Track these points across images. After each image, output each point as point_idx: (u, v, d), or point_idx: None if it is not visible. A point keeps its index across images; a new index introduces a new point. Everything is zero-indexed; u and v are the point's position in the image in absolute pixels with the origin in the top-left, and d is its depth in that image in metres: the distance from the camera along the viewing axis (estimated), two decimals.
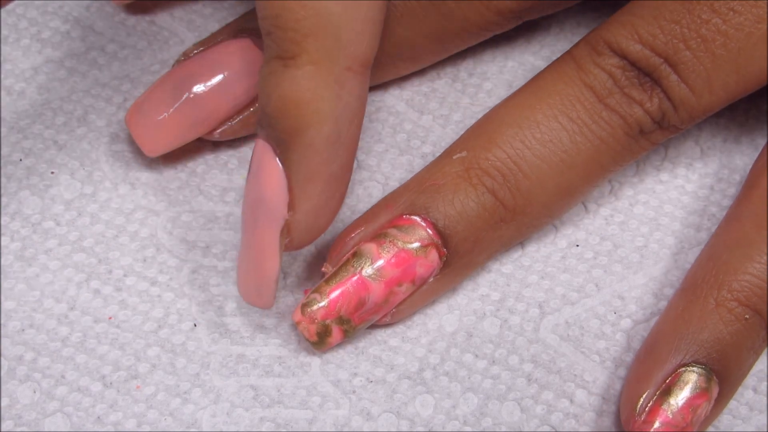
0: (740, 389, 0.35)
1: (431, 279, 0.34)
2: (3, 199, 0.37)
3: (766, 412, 0.35)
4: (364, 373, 0.34)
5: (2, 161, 0.37)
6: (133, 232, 0.37)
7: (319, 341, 0.34)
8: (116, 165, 0.38)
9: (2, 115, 0.38)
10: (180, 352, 0.35)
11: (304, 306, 0.33)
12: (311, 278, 0.36)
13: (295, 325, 0.35)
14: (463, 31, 0.37)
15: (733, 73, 0.34)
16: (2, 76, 0.39)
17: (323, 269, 0.34)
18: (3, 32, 0.40)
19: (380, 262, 0.33)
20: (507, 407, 0.34)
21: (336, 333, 0.34)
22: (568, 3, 0.38)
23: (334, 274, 0.34)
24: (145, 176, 0.38)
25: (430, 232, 0.34)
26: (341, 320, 0.33)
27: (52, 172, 0.37)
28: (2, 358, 0.34)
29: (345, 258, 0.34)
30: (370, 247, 0.34)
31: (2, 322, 0.35)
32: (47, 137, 0.38)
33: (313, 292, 0.34)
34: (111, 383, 0.34)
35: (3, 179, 0.37)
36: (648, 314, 0.36)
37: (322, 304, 0.33)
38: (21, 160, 0.38)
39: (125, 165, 0.38)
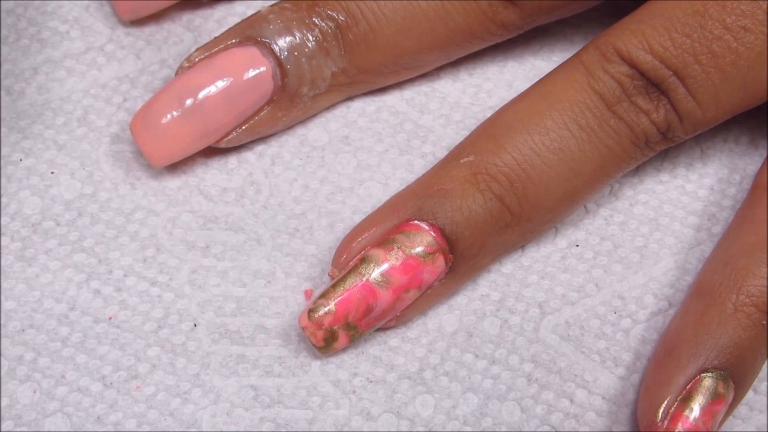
0: None
1: (436, 284, 0.34)
2: (3, 199, 0.37)
3: (766, 412, 0.35)
4: (364, 373, 0.35)
5: (2, 161, 0.37)
6: (133, 232, 0.37)
7: (326, 346, 0.34)
8: (116, 165, 0.38)
9: (2, 115, 0.38)
10: (180, 352, 0.35)
11: (311, 312, 0.33)
12: (311, 278, 0.36)
13: (296, 327, 0.35)
14: (466, 42, 0.37)
15: (740, 89, 0.34)
16: (2, 76, 0.39)
17: (330, 273, 0.34)
18: (2, 32, 0.40)
19: (389, 270, 0.33)
20: (507, 407, 0.34)
21: (342, 338, 0.34)
22: (570, 12, 0.38)
23: (342, 280, 0.33)
24: (145, 176, 0.38)
25: (437, 238, 0.34)
26: (348, 326, 0.33)
27: (52, 172, 0.37)
28: (2, 359, 0.34)
29: (352, 263, 0.34)
30: (378, 253, 0.33)
31: (2, 322, 0.35)
32: (47, 137, 0.38)
33: (320, 297, 0.33)
34: (111, 383, 0.34)
35: (3, 179, 0.37)
36: (648, 314, 0.36)
37: (329, 310, 0.33)
38: (21, 160, 0.38)
39: (125, 165, 0.38)
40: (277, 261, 0.36)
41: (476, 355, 0.35)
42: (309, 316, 0.33)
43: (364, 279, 0.33)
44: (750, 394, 0.35)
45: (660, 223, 0.37)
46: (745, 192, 0.38)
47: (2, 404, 0.34)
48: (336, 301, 0.33)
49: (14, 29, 0.40)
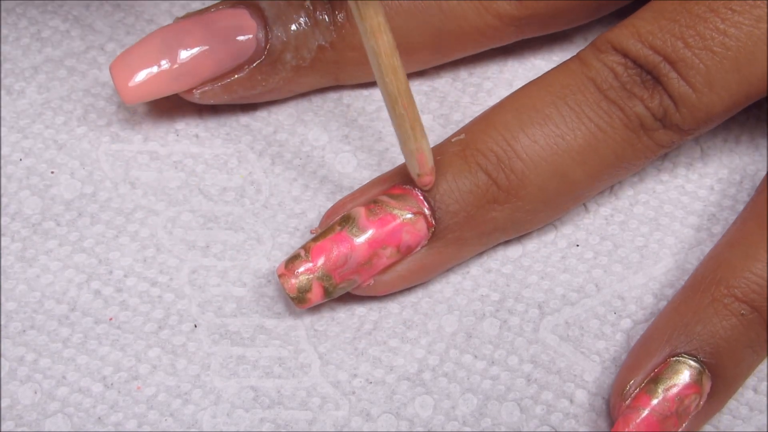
0: (740, 389, 0.35)
1: (419, 250, 0.34)
2: (3, 199, 0.37)
3: (766, 412, 0.35)
4: (363, 374, 0.35)
5: (2, 161, 0.37)
6: (133, 232, 0.37)
7: (299, 296, 0.34)
8: (116, 165, 0.38)
9: (2, 115, 0.38)
10: (180, 353, 0.35)
11: (288, 261, 0.34)
12: None
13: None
14: (461, 32, 0.37)
15: (734, 71, 0.34)
16: (2, 75, 0.39)
17: (312, 231, 0.35)
18: (3, 31, 0.40)
19: (365, 222, 0.34)
20: (506, 408, 0.34)
21: (316, 289, 0.34)
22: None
23: (321, 233, 0.34)
24: (145, 176, 0.38)
25: (420, 202, 0.34)
26: (322, 276, 0.34)
27: (52, 172, 0.37)
28: (3, 359, 0.34)
29: (334, 220, 0.34)
30: (359, 210, 0.34)
31: (3, 323, 0.35)
32: (47, 137, 0.38)
33: (299, 248, 0.34)
34: (112, 384, 0.34)
35: (3, 179, 0.37)
36: (648, 314, 0.36)
37: (304, 258, 0.34)
38: (21, 160, 0.38)
39: (125, 165, 0.38)
40: (278, 260, 0.36)
41: (475, 356, 0.35)
42: (285, 265, 0.34)
43: (342, 231, 0.34)
44: (750, 394, 0.35)
45: (660, 223, 0.37)
46: (745, 192, 0.38)
47: (3, 405, 0.34)
48: (311, 250, 0.34)
49: (15, 28, 0.40)
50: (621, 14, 0.39)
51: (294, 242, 0.37)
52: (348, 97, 0.39)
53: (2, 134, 0.38)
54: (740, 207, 0.38)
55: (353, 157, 0.38)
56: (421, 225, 0.34)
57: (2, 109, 0.38)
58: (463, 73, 0.40)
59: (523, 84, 0.39)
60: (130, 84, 0.36)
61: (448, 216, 0.34)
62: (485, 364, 0.35)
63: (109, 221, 0.37)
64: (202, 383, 0.34)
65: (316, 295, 0.34)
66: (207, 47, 0.36)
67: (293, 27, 0.37)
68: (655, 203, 0.38)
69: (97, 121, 0.38)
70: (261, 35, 0.36)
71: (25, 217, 0.37)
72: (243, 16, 0.36)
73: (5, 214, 0.37)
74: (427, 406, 0.34)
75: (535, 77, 0.39)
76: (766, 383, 0.35)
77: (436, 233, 0.34)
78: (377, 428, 0.34)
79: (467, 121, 0.39)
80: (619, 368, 0.35)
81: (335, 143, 0.38)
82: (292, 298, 0.34)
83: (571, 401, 0.34)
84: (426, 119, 0.39)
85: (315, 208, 0.37)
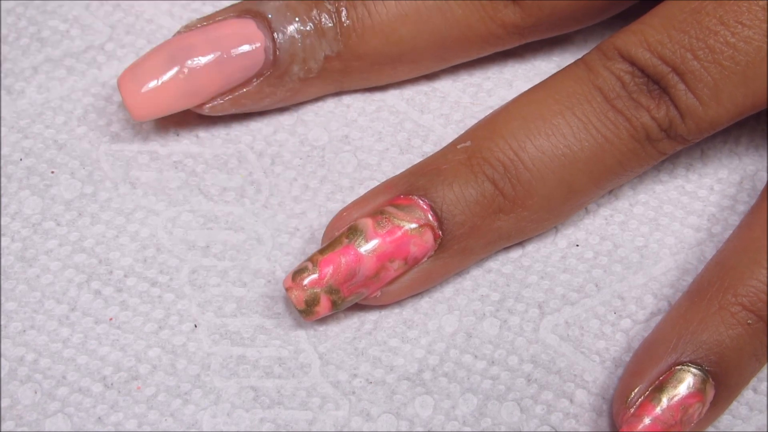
0: None
1: (425, 261, 0.34)
2: (3, 199, 0.37)
3: (766, 412, 0.35)
4: (363, 374, 0.35)
5: (2, 161, 0.37)
6: (133, 232, 0.37)
7: (307, 309, 0.34)
8: (116, 165, 0.38)
9: (2, 115, 0.38)
10: (180, 353, 0.35)
11: (295, 273, 0.34)
12: None
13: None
14: (465, 41, 0.37)
15: (741, 86, 0.34)
16: (2, 75, 0.39)
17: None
18: (3, 31, 0.40)
19: (373, 236, 0.34)
20: (506, 407, 0.34)
21: (324, 302, 0.34)
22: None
23: (328, 245, 0.34)
24: (145, 176, 0.38)
25: (427, 213, 0.34)
26: (330, 290, 0.34)
27: (52, 172, 0.37)
28: (3, 359, 0.34)
29: (341, 231, 0.34)
30: (366, 222, 0.34)
31: (3, 323, 0.35)
32: (47, 137, 0.38)
33: (306, 260, 0.34)
34: (112, 384, 0.34)
35: (3, 179, 0.37)
36: (648, 314, 0.36)
37: (312, 271, 0.33)
38: (21, 159, 0.38)
39: (125, 165, 0.38)
40: (278, 260, 0.36)
41: (475, 356, 0.35)
42: (293, 278, 0.34)
43: (350, 244, 0.34)
44: (750, 394, 0.35)
45: (660, 223, 0.37)
46: (745, 192, 0.38)
47: (3, 405, 0.34)
48: (319, 263, 0.34)
49: (14, 28, 0.40)
50: (621, 14, 0.39)
51: (294, 242, 0.37)
52: (348, 97, 0.39)
53: (2, 134, 0.38)
54: (740, 207, 0.38)
55: (353, 157, 0.38)
56: (428, 237, 0.34)
57: (2, 109, 0.38)
58: (464, 74, 0.40)
59: (524, 84, 0.39)
60: (140, 104, 0.36)
61: (454, 227, 0.34)
62: (485, 364, 0.35)
63: (109, 221, 0.37)
64: (202, 383, 0.34)
65: (323, 308, 0.34)
66: (215, 62, 0.36)
67: (300, 38, 0.36)
68: (654, 203, 0.38)
69: (97, 121, 0.38)
70: (269, 46, 0.36)
71: (25, 217, 0.37)
72: (250, 28, 0.36)
73: (5, 214, 0.37)
74: (427, 406, 0.34)
75: (535, 77, 0.39)
76: (766, 383, 0.35)
77: (442, 244, 0.34)
78: (377, 428, 0.34)
79: (467, 121, 0.39)
80: (620, 369, 0.35)
81: (335, 143, 0.38)
82: (300, 311, 0.34)
83: (571, 401, 0.34)
84: (427, 119, 0.39)
85: (315, 208, 0.37)
